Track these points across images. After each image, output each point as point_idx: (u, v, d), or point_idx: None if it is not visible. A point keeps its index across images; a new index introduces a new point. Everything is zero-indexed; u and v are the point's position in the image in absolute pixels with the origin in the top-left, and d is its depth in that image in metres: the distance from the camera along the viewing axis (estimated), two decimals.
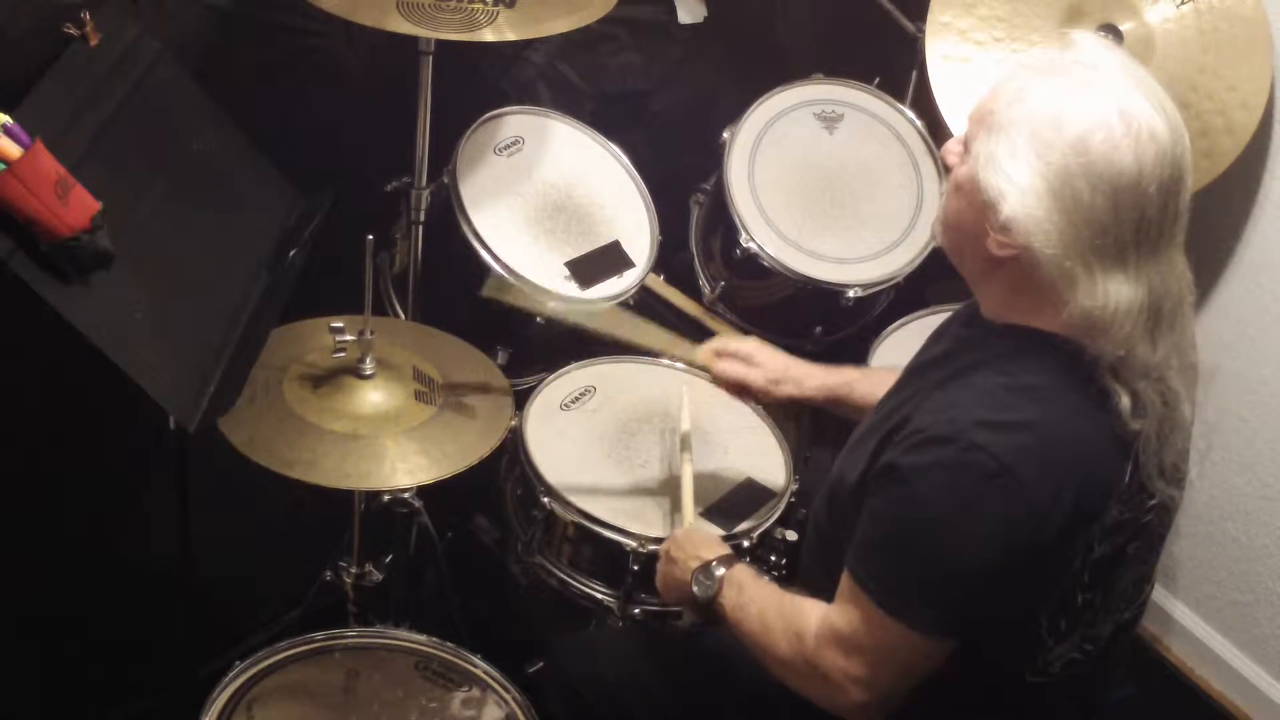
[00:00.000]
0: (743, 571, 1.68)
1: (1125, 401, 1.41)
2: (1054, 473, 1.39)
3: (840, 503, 1.57)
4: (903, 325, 2.50)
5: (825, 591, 1.54)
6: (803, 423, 2.45)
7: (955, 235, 1.50)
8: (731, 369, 1.96)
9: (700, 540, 1.78)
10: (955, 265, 1.54)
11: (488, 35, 1.95)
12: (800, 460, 2.15)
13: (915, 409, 1.48)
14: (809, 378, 1.96)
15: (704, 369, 2.00)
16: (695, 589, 1.68)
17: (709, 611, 1.67)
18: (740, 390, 1.97)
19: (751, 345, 1.99)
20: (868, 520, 1.48)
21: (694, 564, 1.71)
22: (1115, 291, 1.37)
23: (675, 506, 2.03)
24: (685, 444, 2.04)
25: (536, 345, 2.38)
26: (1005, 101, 1.41)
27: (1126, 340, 1.39)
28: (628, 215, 2.44)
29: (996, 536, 1.39)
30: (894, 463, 1.45)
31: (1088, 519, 1.43)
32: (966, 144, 1.47)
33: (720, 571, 1.67)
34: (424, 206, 2.22)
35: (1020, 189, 1.37)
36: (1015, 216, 1.38)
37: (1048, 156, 1.36)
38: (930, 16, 2.46)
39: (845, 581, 1.49)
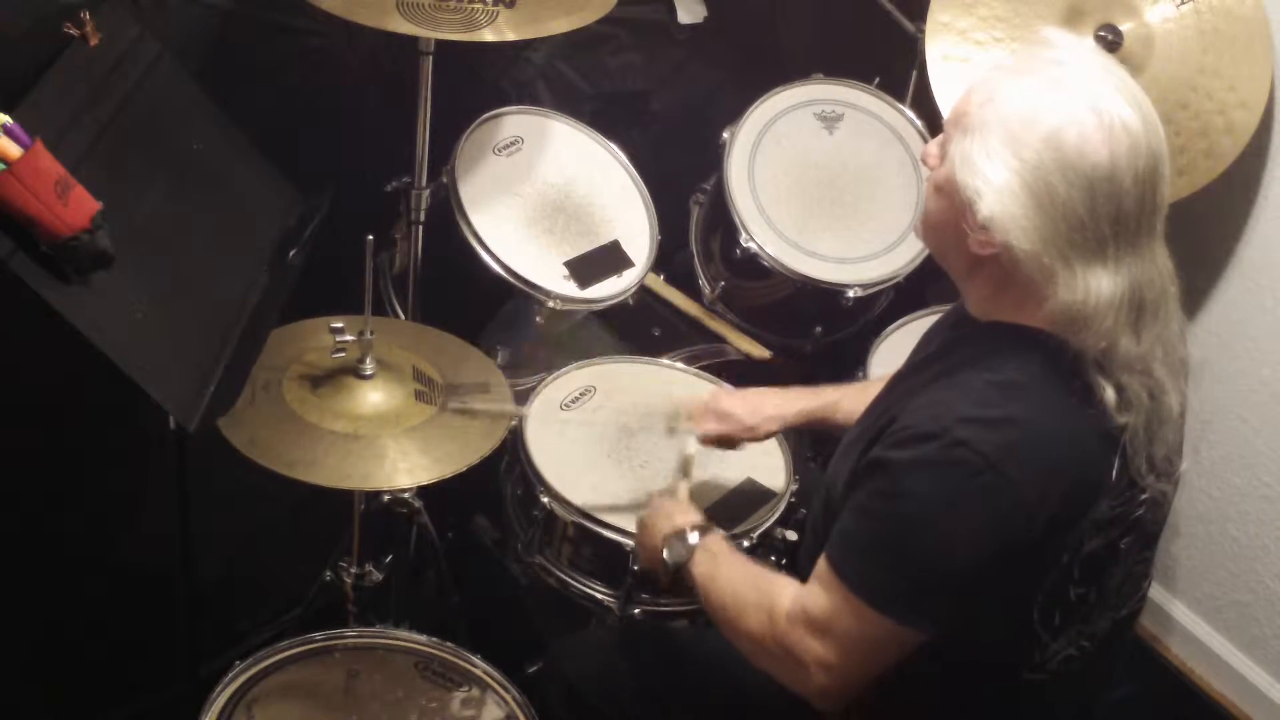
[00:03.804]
0: (717, 541, 1.69)
1: (1110, 395, 1.41)
2: (1038, 468, 1.39)
3: (834, 507, 1.57)
4: (903, 325, 2.50)
5: None
6: None
7: (938, 236, 1.52)
8: (711, 428, 1.98)
9: (677, 507, 1.78)
10: (940, 264, 1.55)
11: (488, 35, 1.95)
12: (800, 460, 2.15)
13: (903, 408, 1.49)
14: (787, 406, 1.98)
15: (689, 431, 2.01)
16: (666, 553, 1.69)
17: (678, 578, 1.68)
18: (727, 443, 2.00)
19: (723, 401, 2.00)
20: (851, 511, 1.49)
21: (667, 528, 1.72)
22: (1095, 285, 1.38)
23: None
24: (687, 468, 2.02)
25: (536, 345, 2.38)
26: (978, 102, 1.42)
27: (1109, 333, 1.39)
28: (628, 215, 2.44)
29: (980, 532, 1.39)
30: (879, 457, 1.46)
31: (1075, 514, 1.43)
32: (943, 146, 1.47)
33: (694, 538, 1.68)
34: (424, 206, 2.21)
35: (996, 188, 1.38)
36: (993, 215, 1.39)
37: (1022, 154, 1.37)
38: (930, 16, 2.46)
39: (822, 566, 1.49)
